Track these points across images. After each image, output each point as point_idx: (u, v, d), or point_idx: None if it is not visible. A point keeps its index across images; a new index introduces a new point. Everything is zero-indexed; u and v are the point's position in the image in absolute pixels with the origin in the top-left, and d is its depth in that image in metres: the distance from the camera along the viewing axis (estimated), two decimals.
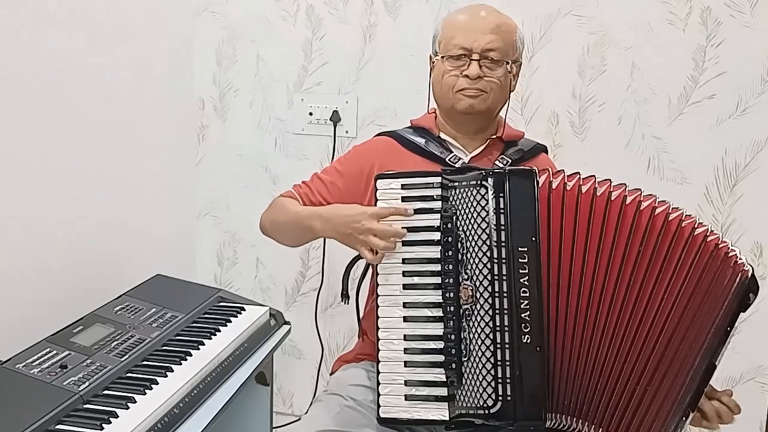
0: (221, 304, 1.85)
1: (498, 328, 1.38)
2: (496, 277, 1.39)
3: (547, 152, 1.83)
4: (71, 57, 1.93)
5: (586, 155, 2.33)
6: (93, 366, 1.44)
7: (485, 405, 1.38)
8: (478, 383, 1.39)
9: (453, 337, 1.43)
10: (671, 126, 2.30)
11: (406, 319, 1.47)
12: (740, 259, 1.41)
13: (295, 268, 2.61)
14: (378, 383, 1.46)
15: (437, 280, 1.46)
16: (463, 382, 1.42)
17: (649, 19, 2.25)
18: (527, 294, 1.39)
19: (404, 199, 1.50)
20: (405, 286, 1.48)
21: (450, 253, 1.45)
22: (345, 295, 1.72)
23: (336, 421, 1.56)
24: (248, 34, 2.50)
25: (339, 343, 2.60)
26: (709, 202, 2.32)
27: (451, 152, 1.68)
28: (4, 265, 1.73)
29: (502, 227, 1.40)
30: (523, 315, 1.38)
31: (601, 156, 2.31)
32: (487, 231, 1.41)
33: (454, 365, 1.43)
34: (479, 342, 1.40)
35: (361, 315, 1.79)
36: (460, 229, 1.45)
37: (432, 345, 1.45)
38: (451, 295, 1.45)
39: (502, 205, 1.41)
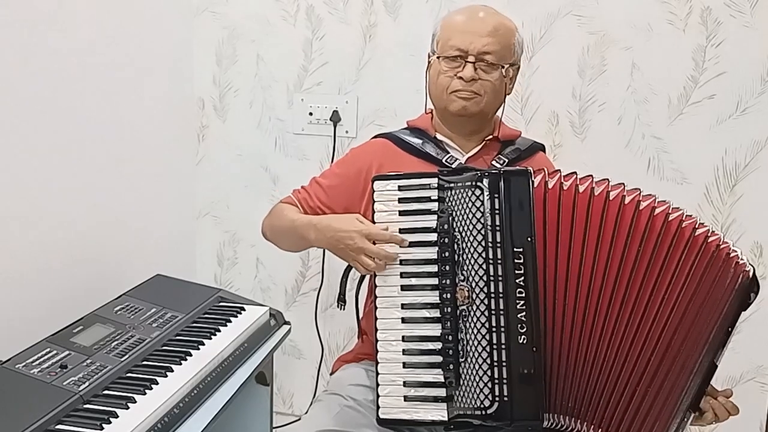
0: (221, 304, 1.85)
1: (494, 329, 1.39)
2: (491, 278, 1.40)
3: (544, 151, 1.83)
4: (71, 57, 1.93)
5: (586, 155, 2.33)
6: (93, 366, 1.45)
7: (482, 405, 1.38)
8: (475, 384, 1.40)
9: (450, 338, 1.44)
10: (671, 126, 2.30)
11: (404, 320, 1.47)
12: (741, 260, 1.41)
13: (295, 268, 2.61)
14: (377, 384, 1.47)
15: (435, 281, 1.47)
16: (461, 382, 1.42)
17: (649, 19, 2.25)
18: (523, 294, 1.39)
19: (401, 200, 1.51)
20: (403, 288, 1.49)
21: (447, 254, 1.46)
22: (341, 300, 1.72)
23: (336, 421, 1.57)
24: (248, 34, 2.50)
25: (339, 343, 2.60)
26: (709, 202, 2.31)
27: (448, 153, 1.68)
28: (4, 265, 1.73)
29: (498, 228, 1.40)
30: (519, 315, 1.38)
31: (601, 156, 2.31)
32: (483, 232, 1.41)
33: (451, 366, 1.43)
34: (476, 343, 1.40)
35: (361, 315, 1.79)
36: (457, 230, 1.45)
37: (430, 346, 1.46)
38: (449, 296, 1.45)
39: (497, 206, 1.41)
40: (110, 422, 1.28)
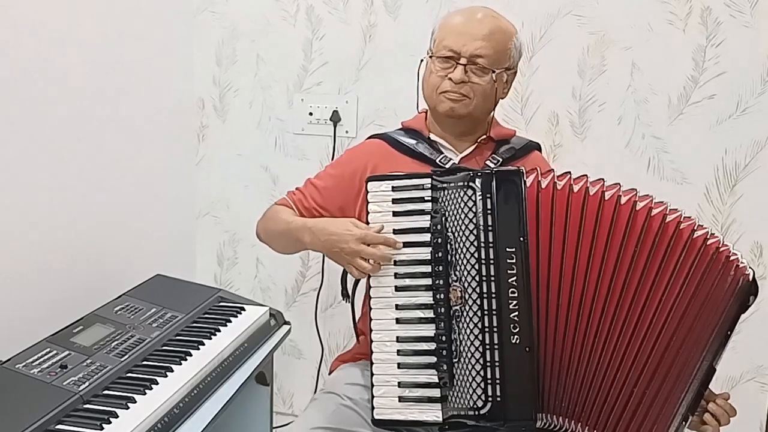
0: (221, 304, 1.85)
1: (487, 329, 1.39)
2: (484, 278, 1.40)
3: (540, 150, 1.82)
4: (71, 57, 1.93)
5: (586, 155, 2.33)
6: (93, 366, 1.45)
7: (475, 406, 1.38)
8: (468, 384, 1.39)
9: (444, 338, 1.44)
10: (671, 126, 2.30)
11: (398, 320, 1.48)
12: (741, 263, 1.41)
13: (295, 268, 2.61)
14: (372, 385, 1.47)
15: (428, 281, 1.47)
16: (455, 383, 1.42)
17: (649, 19, 2.25)
18: (516, 294, 1.38)
19: (395, 201, 1.51)
20: (397, 288, 1.49)
21: (440, 254, 1.46)
22: (345, 294, 1.72)
23: (331, 420, 1.57)
24: (248, 34, 2.50)
25: (339, 343, 2.60)
26: (709, 202, 2.31)
27: (442, 153, 1.68)
28: (4, 265, 1.74)
29: (490, 228, 1.40)
30: (511, 315, 1.38)
31: (601, 156, 2.31)
32: (475, 232, 1.41)
33: (445, 366, 1.43)
34: (468, 343, 1.40)
35: (358, 316, 1.79)
36: (450, 230, 1.45)
37: (424, 346, 1.46)
38: (442, 296, 1.45)
39: (489, 206, 1.41)
40: (110, 422, 1.29)
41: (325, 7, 2.44)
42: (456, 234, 1.44)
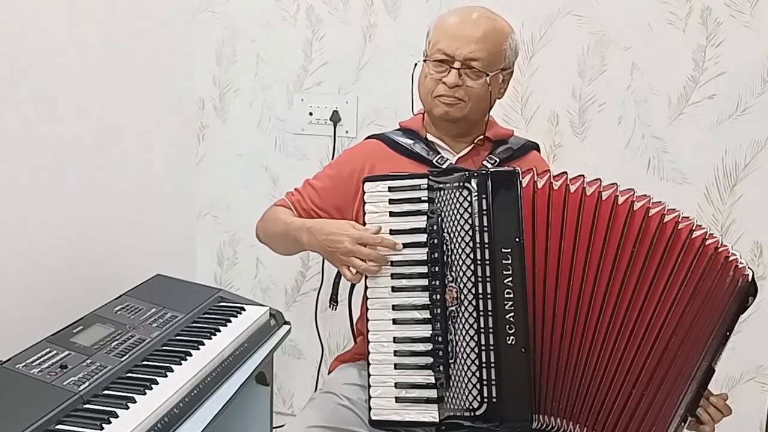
0: (221, 304, 1.85)
1: (482, 330, 1.38)
2: (479, 279, 1.39)
3: (539, 150, 1.82)
4: (71, 56, 1.93)
5: (586, 155, 2.33)
6: (93, 366, 1.45)
7: (471, 407, 1.38)
8: (464, 385, 1.39)
9: (440, 339, 1.43)
10: (671, 126, 2.30)
11: (395, 321, 1.47)
12: (741, 263, 1.40)
13: (295, 268, 2.61)
14: (369, 386, 1.47)
15: (425, 282, 1.46)
16: (451, 384, 1.42)
17: (649, 19, 2.25)
18: (511, 295, 1.38)
19: (391, 201, 1.50)
20: (394, 289, 1.48)
21: (436, 255, 1.45)
22: (333, 301, 1.72)
23: (329, 420, 1.57)
24: (248, 34, 2.51)
25: (339, 343, 2.60)
26: (709, 202, 2.31)
27: (438, 153, 1.68)
28: (4, 265, 1.74)
29: (485, 228, 1.40)
30: (507, 316, 1.38)
31: (601, 156, 2.31)
32: (471, 233, 1.40)
33: (441, 367, 1.43)
34: (464, 344, 1.40)
35: (356, 317, 1.78)
36: (446, 230, 1.45)
37: (421, 347, 1.45)
38: (438, 297, 1.44)
39: (485, 207, 1.40)
40: (110, 422, 1.29)
41: (325, 7, 2.44)
42: (452, 234, 1.43)
